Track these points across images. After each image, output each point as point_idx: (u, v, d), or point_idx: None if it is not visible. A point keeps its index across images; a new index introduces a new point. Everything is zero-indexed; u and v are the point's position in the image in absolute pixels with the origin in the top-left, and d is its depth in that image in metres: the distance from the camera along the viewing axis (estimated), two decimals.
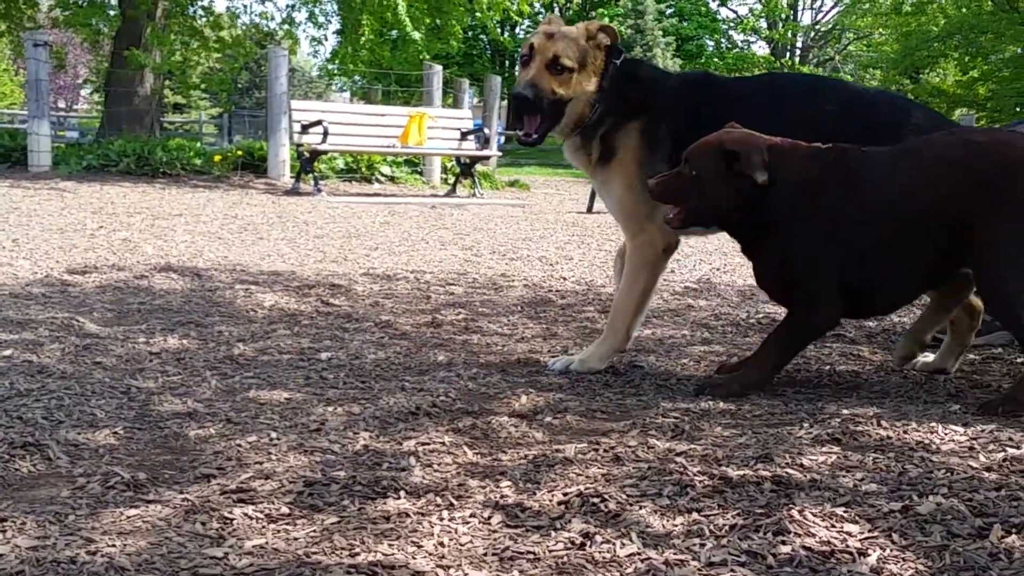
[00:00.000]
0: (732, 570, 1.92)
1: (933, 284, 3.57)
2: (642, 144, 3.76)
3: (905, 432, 2.86)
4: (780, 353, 3.52)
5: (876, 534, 2.06)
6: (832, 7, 49.74)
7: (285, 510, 2.26)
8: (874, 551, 1.98)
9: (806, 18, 50.94)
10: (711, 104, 3.78)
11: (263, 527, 2.17)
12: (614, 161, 3.79)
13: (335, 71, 28.28)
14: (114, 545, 2.04)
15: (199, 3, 20.00)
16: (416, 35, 19.24)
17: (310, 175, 13.84)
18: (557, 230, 10.33)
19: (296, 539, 2.10)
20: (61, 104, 49.58)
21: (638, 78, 3.85)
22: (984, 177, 3.19)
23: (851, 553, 1.97)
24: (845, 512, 2.17)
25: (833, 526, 2.10)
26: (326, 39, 62.70)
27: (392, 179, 16.10)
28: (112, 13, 18.56)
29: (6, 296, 5.09)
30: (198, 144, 17.95)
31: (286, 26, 21.14)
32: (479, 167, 15.75)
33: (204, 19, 20.22)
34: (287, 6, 21.48)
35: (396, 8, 18.59)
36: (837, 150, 3.39)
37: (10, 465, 2.56)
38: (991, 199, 3.17)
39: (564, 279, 6.50)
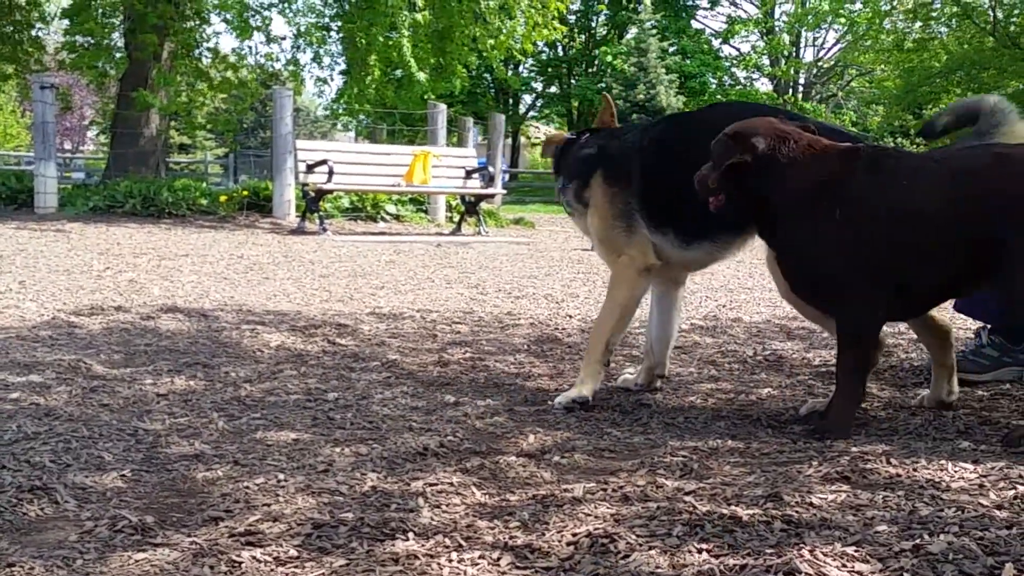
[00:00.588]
0: None
1: (943, 299, 3.57)
2: (606, 185, 4.06)
3: (915, 470, 2.85)
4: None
5: (888, 574, 2.05)
6: (834, 44, 49.99)
7: (293, 552, 2.25)
8: None
9: (808, 55, 51.16)
10: (662, 139, 4.06)
11: (271, 570, 2.16)
12: (591, 205, 4.13)
13: (341, 111, 28.39)
14: None
15: (205, 45, 20.15)
16: (421, 76, 19.35)
17: (315, 214, 13.90)
18: (562, 268, 10.34)
19: None
20: (67, 145, 49.83)
21: (589, 145, 4.26)
22: (1014, 191, 3.17)
23: None
24: (856, 551, 2.16)
25: (844, 565, 2.09)
26: (331, 79, 63.16)
27: (397, 218, 16.14)
28: (119, 55, 18.66)
29: (12, 338, 5.10)
30: (204, 184, 18.02)
31: (291, 67, 21.24)
32: (484, 205, 15.79)
33: (209, 60, 20.36)
34: (292, 47, 21.58)
35: (401, 49, 18.70)
36: (867, 150, 3.41)
37: (18, 509, 2.55)
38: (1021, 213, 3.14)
39: (570, 317, 6.50)
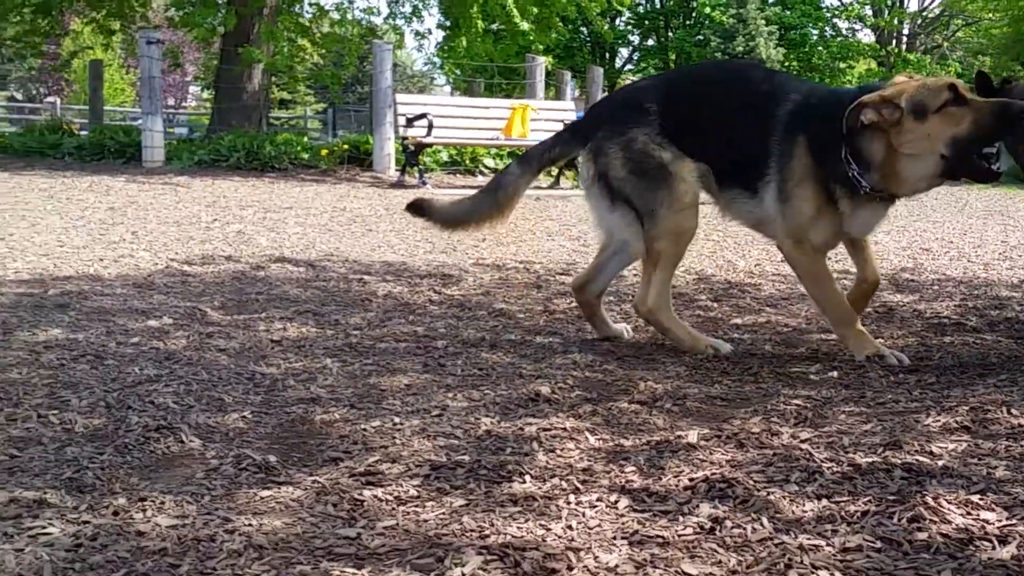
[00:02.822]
0: (868, 556, 1.90)
1: None
2: None
3: None
4: None
5: (1014, 521, 2.02)
6: None
7: (414, 492, 2.29)
8: (1014, 538, 1.94)
9: (913, 4, 49.81)
10: None
11: (393, 509, 2.20)
12: None
13: (447, 65, 28.36)
14: (251, 524, 2.09)
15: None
16: (525, 25, 19.24)
17: (415, 168, 13.95)
18: None
19: (426, 520, 2.13)
20: (170, 101, 50.68)
21: None
22: None
23: (990, 540, 1.93)
24: (980, 499, 2.13)
25: (969, 513, 2.06)
26: (430, 32, 63.18)
27: (496, 171, 16.13)
28: (222, 12, 18.84)
29: (130, 286, 5.23)
30: (304, 139, 18.19)
31: (392, 20, 21.27)
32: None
33: (311, 14, 20.47)
34: (391, 1, 21.61)
35: (506, 3, 18.62)
36: None
37: (145, 447, 2.63)
38: None
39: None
